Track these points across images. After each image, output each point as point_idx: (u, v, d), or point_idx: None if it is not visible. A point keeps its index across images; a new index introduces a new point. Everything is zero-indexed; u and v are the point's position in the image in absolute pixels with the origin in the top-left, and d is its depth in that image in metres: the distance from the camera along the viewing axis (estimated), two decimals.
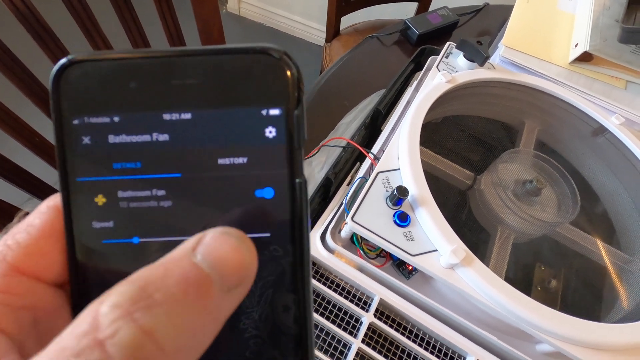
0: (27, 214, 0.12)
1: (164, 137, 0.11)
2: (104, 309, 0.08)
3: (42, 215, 0.11)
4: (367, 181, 0.32)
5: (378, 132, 0.43)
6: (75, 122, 0.11)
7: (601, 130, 0.44)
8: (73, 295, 0.11)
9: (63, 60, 0.11)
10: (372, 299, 0.32)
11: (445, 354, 0.31)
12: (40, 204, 0.12)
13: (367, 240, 0.33)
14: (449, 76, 0.40)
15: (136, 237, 0.11)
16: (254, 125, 0.11)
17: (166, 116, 0.11)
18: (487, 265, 0.29)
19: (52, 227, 0.11)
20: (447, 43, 0.46)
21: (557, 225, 0.38)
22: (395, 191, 0.30)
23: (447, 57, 0.44)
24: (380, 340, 0.31)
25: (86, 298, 0.11)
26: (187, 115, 0.11)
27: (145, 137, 0.11)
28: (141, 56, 0.11)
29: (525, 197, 0.37)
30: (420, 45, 0.52)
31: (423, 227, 0.30)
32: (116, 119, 0.11)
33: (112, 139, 0.11)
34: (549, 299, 0.36)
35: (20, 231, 0.11)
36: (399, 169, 0.33)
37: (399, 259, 0.33)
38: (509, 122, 0.47)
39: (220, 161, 0.11)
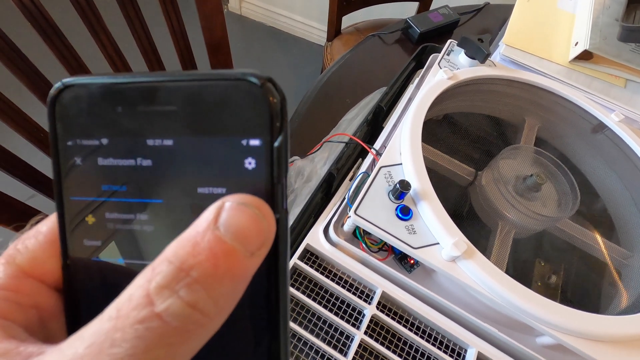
0: (38, 221, 0.13)
1: (147, 163, 0.11)
2: (154, 289, 0.09)
3: (49, 224, 0.12)
4: (369, 176, 0.33)
5: (380, 128, 0.43)
6: (69, 143, 0.12)
7: (601, 127, 0.44)
8: (65, 304, 0.12)
9: (58, 84, 0.12)
10: (375, 292, 0.32)
11: (447, 346, 0.31)
12: (52, 214, 0.12)
13: (369, 233, 0.33)
14: (450, 73, 0.40)
15: (121, 258, 0.12)
16: (234, 155, 0.11)
17: (149, 142, 0.11)
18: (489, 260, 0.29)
19: (56, 235, 0.12)
20: (449, 41, 0.46)
21: (557, 221, 0.38)
22: (397, 185, 0.31)
23: (448, 55, 0.45)
24: (383, 332, 0.31)
25: (77, 309, 0.12)
26: (169, 142, 0.11)
27: (130, 162, 0.11)
28: (127, 81, 0.11)
29: (526, 192, 0.37)
30: (421, 43, 0.52)
31: (425, 221, 0.31)
32: (104, 141, 0.12)
33: (100, 161, 0.12)
34: (549, 294, 0.36)
35: (30, 237, 0.12)
36: (401, 164, 0.34)
37: (401, 252, 0.34)
38: (510, 119, 0.48)
39: (200, 190, 0.11)
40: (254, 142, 0.11)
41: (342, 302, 0.32)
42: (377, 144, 0.39)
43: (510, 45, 0.55)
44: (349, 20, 1.06)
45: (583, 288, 0.38)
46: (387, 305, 0.32)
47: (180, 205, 0.11)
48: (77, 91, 0.12)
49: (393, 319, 0.31)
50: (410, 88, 0.46)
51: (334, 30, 1.02)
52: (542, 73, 0.53)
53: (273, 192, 0.11)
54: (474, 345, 0.30)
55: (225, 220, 0.10)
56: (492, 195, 0.37)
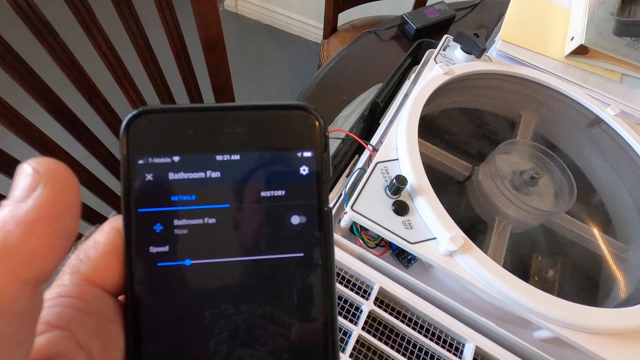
0: (92, 232, 0.13)
1: (216, 174, 0.13)
2: None
3: (105, 235, 0.13)
4: (366, 172, 0.33)
5: (376, 124, 0.43)
6: (141, 162, 0.13)
7: (597, 121, 0.44)
8: (126, 309, 0.13)
9: (134, 111, 0.13)
10: (372, 288, 0.32)
11: (445, 341, 0.31)
12: (103, 224, 0.13)
13: (366, 229, 0.33)
14: (446, 68, 0.40)
15: (188, 259, 0.13)
16: (291, 164, 0.14)
17: (219, 157, 0.13)
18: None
19: (114, 245, 0.13)
20: (445, 36, 0.46)
21: (553, 215, 0.38)
22: (394, 180, 0.31)
23: (444, 50, 0.45)
24: (380, 328, 0.31)
25: (138, 312, 0.13)
26: (236, 157, 0.14)
27: (200, 174, 0.13)
28: (199, 109, 0.14)
29: (523, 187, 0.37)
30: (417, 39, 0.52)
31: (422, 216, 0.31)
32: (176, 159, 0.13)
33: (171, 175, 0.13)
34: (546, 288, 0.37)
35: (90, 247, 0.13)
36: (397, 159, 0.34)
37: (398, 248, 0.34)
38: (507, 114, 0.48)
39: (263, 194, 0.14)
40: (307, 154, 0.14)
41: (340, 298, 0.32)
42: (374, 140, 0.39)
43: (507, 40, 0.55)
44: (345, 17, 1.05)
45: (580, 282, 0.38)
46: (384, 300, 0.32)
47: (246, 208, 0.13)
48: (152, 117, 0.13)
49: (391, 314, 0.31)
50: (407, 84, 0.46)
51: (331, 28, 1.02)
52: (539, 68, 0.53)
53: (322, 191, 0.14)
54: (471, 340, 0.30)
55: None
56: (488, 190, 0.37)
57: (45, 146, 0.50)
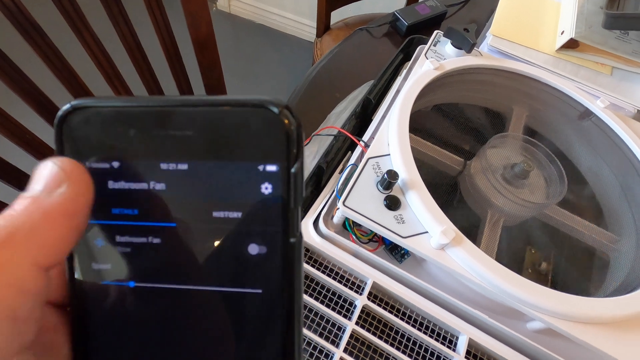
0: None
1: (160, 186, 0.11)
2: None
3: None
4: (358, 168, 0.33)
5: (369, 121, 0.43)
6: None
7: (587, 114, 0.44)
8: (73, 324, 0.12)
9: (66, 106, 0.12)
10: (366, 283, 0.32)
11: (438, 334, 0.31)
12: None
13: (359, 225, 0.33)
14: (437, 63, 0.41)
15: (132, 281, 0.12)
16: (250, 180, 0.11)
17: (163, 165, 0.11)
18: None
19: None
20: (435, 31, 0.46)
21: (545, 207, 0.38)
22: (385, 175, 0.31)
23: (435, 46, 0.45)
24: (374, 323, 0.31)
25: (84, 327, 0.12)
26: (183, 166, 0.11)
27: (143, 185, 0.11)
28: (141, 105, 0.11)
29: (514, 180, 0.38)
30: (409, 36, 0.52)
31: (413, 210, 0.31)
32: (115, 165, 0.11)
33: (111, 184, 0.12)
34: (540, 280, 0.37)
35: None
36: (389, 154, 0.34)
37: (391, 243, 0.34)
38: (498, 109, 0.48)
39: (215, 214, 0.11)
40: (271, 168, 0.11)
41: (333, 293, 0.32)
42: (366, 137, 0.39)
43: (498, 35, 0.55)
44: (338, 15, 1.05)
45: (573, 273, 0.38)
46: (378, 295, 0.32)
47: (194, 229, 0.11)
48: (87, 113, 0.12)
49: (384, 308, 0.31)
50: (399, 80, 0.46)
51: (323, 26, 1.02)
52: (530, 62, 0.53)
53: (289, 217, 0.11)
54: (465, 332, 0.30)
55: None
56: (480, 183, 0.37)
57: (37, 149, 0.50)
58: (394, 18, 0.66)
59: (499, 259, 0.34)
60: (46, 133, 0.53)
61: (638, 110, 0.50)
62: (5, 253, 0.10)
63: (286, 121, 0.11)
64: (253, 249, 0.11)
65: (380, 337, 0.30)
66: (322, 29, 1.02)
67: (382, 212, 0.30)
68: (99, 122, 0.11)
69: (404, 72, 0.45)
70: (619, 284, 0.34)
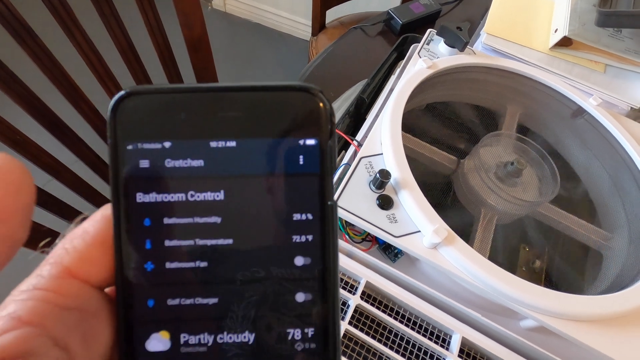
0: (83, 219, 0.13)
1: (209, 163, 0.12)
2: None
3: (95, 224, 0.12)
4: (350, 167, 0.33)
5: (362, 120, 0.43)
6: (129, 147, 0.12)
7: (580, 111, 0.44)
8: (119, 305, 0.12)
9: (122, 92, 0.12)
10: (359, 282, 0.32)
11: (432, 333, 0.31)
12: (95, 212, 0.13)
13: (352, 224, 0.33)
14: (430, 62, 0.41)
15: (182, 259, 0.12)
16: (292, 153, 0.12)
17: (213, 144, 0.12)
18: (472, 247, 0.29)
19: (104, 236, 0.12)
20: (428, 30, 0.46)
21: (538, 205, 0.38)
22: (378, 175, 0.31)
23: (428, 44, 0.45)
24: (368, 322, 0.31)
25: (129, 308, 0.12)
26: (232, 143, 0.12)
27: (193, 162, 0.12)
28: (191, 90, 0.13)
29: (507, 178, 0.38)
30: (403, 34, 0.52)
31: (406, 209, 0.31)
32: (167, 145, 0.12)
33: (160, 163, 0.12)
34: (534, 279, 0.37)
35: (77, 237, 0.12)
36: (381, 154, 0.34)
37: (384, 242, 0.34)
38: (491, 107, 0.48)
39: (261, 185, 0.13)
40: (310, 142, 0.12)
41: None
42: (359, 136, 0.39)
43: (492, 33, 0.55)
44: (333, 14, 1.05)
45: (566, 271, 0.39)
46: (371, 295, 0.32)
47: (243, 201, 0.13)
48: (141, 98, 0.12)
49: (378, 308, 0.31)
50: (392, 79, 0.46)
51: (319, 25, 1.02)
52: (523, 60, 0.54)
53: (326, 184, 0.13)
54: (458, 331, 0.30)
55: None
56: (473, 182, 0.37)
57: (29, 151, 0.49)
58: (388, 16, 0.66)
59: (492, 257, 0.34)
60: (39, 135, 0.53)
61: (631, 107, 0.50)
62: None
63: (322, 102, 0.13)
64: (297, 213, 0.13)
65: (373, 337, 0.30)
66: (317, 28, 1.02)
67: (374, 212, 0.30)
68: (152, 106, 0.12)
69: (398, 71, 0.45)
70: (612, 281, 0.34)
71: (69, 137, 0.54)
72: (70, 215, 0.57)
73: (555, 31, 0.55)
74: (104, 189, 0.59)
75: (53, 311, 0.11)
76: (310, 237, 0.13)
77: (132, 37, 0.55)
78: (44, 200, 0.53)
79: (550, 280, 0.37)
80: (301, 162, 0.12)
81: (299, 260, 0.13)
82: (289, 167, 0.12)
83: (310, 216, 0.13)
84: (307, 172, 0.13)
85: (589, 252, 0.39)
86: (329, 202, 0.13)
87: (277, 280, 0.13)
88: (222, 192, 0.12)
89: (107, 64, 0.55)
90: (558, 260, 0.39)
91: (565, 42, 0.53)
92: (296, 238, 0.13)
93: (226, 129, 0.12)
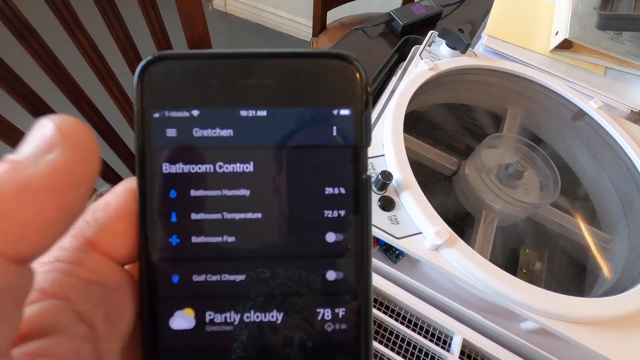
0: (99, 195, 0.12)
1: (239, 132, 0.12)
2: None
3: (118, 197, 0.12)
4: None
5: None
6: (156, 115, 0.12)
7: (580, 114, 0.45)
8: (142, 279, 0.12)
9: (149, 57, 0.12)
10: None
11: (433, 335, 0.31)
12: (118, 185, 0.12)
13: None
14: (431, 64, 0.41)
15: (210, 234, 0.12)
16: (325, 123, 0.12)
17: (243, 112, 0.12)
18: (473, 249, 0.29)
19: (127, 209, 0.12)
20: (430, 32, 0.46)
21: (539, 207, 0.38)
22: (379, 176, 0.31)
23: (429, 46, 0.45)
24: None
25: (153, 284, 0.12)
26: (262, 113, 0.12)
27: (222, 132, 0.12)
28: (223, 56, 0.12)
29: (508, 180, 0.38)
30: (404, 36, 0.52)
31: (407, 211, 0.31)
32: (195, 113, 0.12)
33: (188, 132, 0.12)
34: (534, 280, 0.37)
35: (99, 209, 0.11)
36: (383, 155, 0.34)
37: (385, 243, 0.34)
38: (493, 109, 0.48)
39: (293, 156, 0.12)
40: (345, 112, 0.12)
41: None
42: None
43: (493, 36, 0.55)
44: (334, 15, 1.05)
45: (567, 273, 0.39)
46: (372, 296, 0.32)
47: (274, 172, 0.12)
48: (169, 64, 0.12)
49: (379, 309, 0.31)
50: (394, 80, 0.46)
51: (320, 26, 1.02)
52: (524, 63, 0.54)
53: (361, 156, 0.12)
54: (459, 333, 0.30)
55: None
56: (475, 184, 0.38)
57: None
58: (389, 18, 0.66)
59: (493, 259, 0.35)
60: None
61: (631, 110, 0.50)
62: None
63: (358, 71, 0.12)
64: (330, 186, 0.12)
65: (374, 339, 0.30)
66: (318, 29, 1.02)
67: (376, 213, 0.30)
68: (181, 72, 0.12)
69: (399, 72, 0.45)
70: (612, 283, 0.34)
71: None
72: None
73: (556, 34, 0.55)
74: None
75: (77, 285, 0.10)
76: (343, 212, 0.12)
77: (134, 36, 0.55)
78: None
79: (550, 282, 0.37)
80: (335, 133, 0.12)
81: (331, 237, 0.12)
82: (321, 138, 0.12)
83: (343, 190, 0.12)
84: (340, 143, 0.12)
85: (589, 254, 0.39)
86: (364, 176, 0.12)
87: (307, 257, 0.12)
88: (251, 163, 0.12)
89: (108, 63, 0.55)
90: (558, 262, 0.39)
91: (565, 45, 0.54)
92: (328, 213, 0.12)
93: (257, 97, 0.12)
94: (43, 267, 0.10)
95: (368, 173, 0.12)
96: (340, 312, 0.12)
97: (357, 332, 0.12)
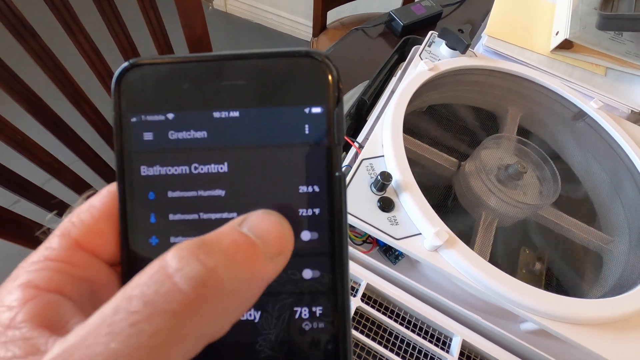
0: (89, 196, 0.13)
1: (213, 134, 0.12)
2: (170, 254, 0.09)
3: (102, 198, 0.12)
4: (351, 169, 0.33)
5: (363, 122, 0.43)
6: (133, 119, 0.12)
7: (581, 114, 0.44)
8: (124, 278, 0.12)
9: (125, 64, 0.12)
10: (360, 284, 0.32)
11: (432, 336, 0.31)
12: (103, 188, 0.13)
13: (352, 226, 0.33)
14: (431, 64, 0.41)
15: (186, 234, 0.12)
16: (297, 122, 0.12)
17: (216, 114, 0.12)
18: (473, 250, 0.29)
19: (110, 210, 0.12)
20: (430, 32, 0.46)
21: (539, 208, 0.38)
22: (379, 177, 0.31)
23: (429, 46, 0.45)
24: (368, 324, 0.31)
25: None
26: (235, 114, 0.12)
27: (196, 134, 0.12)
28: (195, 59, 0.12)
29: (508, 181, 0.38)
30: (404, 36, 0.52)
31: (407, 211, 0.31)
32: (170, 116, 0.12)
33: (164, 135, 0.12)
34: (534, 281, 0.37)
35: (84, 210, 0.12)
36: (382, 156, 0.34)
37: (385, 244, 0.34)
38: (492, 109, 0.48)
39: (266, 155, 0.12)
40: (316, 110, 0.12)
41: None
42: (360, 137, 0.39)
43: (493, 36, 0.55)
44: (334, 15, 1.05)
45: (567, 274, 0.39)
46: (372, 297, 0.32)
47: (247, 173, 0.12)
48: (144, 69, 0.12)
49: (378, 310, 0.31)
50: (393, 81, 0.46)
51: (320, 26, 1.02)
52: (524, 63, 0.54)
53: (334, 153, 0.12)
54: (458, 334, 0.30)
55: (249, 222, 0.10)
56: (474, 184, 0.37)
57: (30, 150, 0.49)
58: (389, 18, 0.66)
59: (493, 259, 0.34)
60: (39, 134, 0.53)
61: (632, 110, 0.50)
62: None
63: (328, 68, 0.12)
64: (304, 184, 0.12)
65: (373, 339, 0.30)
66: (318, 29, 1.02)
67: (375, 214, 0.30)
68: (155, 77, 0.12)
69: (399, 72, 0.45)
70: (612, 284, 0.34)
71: (70, 136, 0.54)
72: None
73: (557, 34, 0.55)
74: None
75: (69, 281, 0.11)
76: (317, 211, 0.12)
77: (133, 36, 0.55)
78: (43, 199, 0.53)
79: (550, 283, 0.37)
80: (307, 132, 0.12)
81: (306, 235, 0.12)
82: (294, 136, 0.12)
83: (317, 188, 0.12)
84: (313, 141, 0.12)
85: (590, 255, 0.39)
86: (337, 173, 0.12)
87: None
88: (225, 164, 0.12)
89: (108, 63, 0.55)
90: (558, 263, 0.39)
91: (566, 45, 0.53)
92: (302, 211, 0.12)
93: (229, 98, 0.12)
94: (33, 266, 0.11)
95: (343, 170, 0.12)
96: (318, 310, 0.12)
97: (335, 330, 0.12)
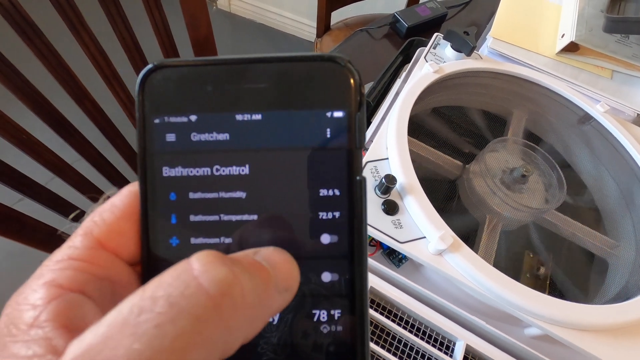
0: (107, 198, 0.13)
1: (235, 136, 0.12)
2: (195, 257, 0.09)
3: (123, 198, 0.12)
4: None
5: (367, 124, 0.43)
6: (156, 120, 0.12)
7: (587, 118, 0.44)
8: (144, 278, 0.12)
9: (149, 66, 0.12)
10: None
11: (436, 340, 0.31)
12: (124, 187, 0.13)
13: None
14: (436, 66, 0.40)
15: (208, 236, 0.12)
16: (319, 126, 0.12)
17: (238, 117, 0.12)
18: (477, 254, 0.29)
19: (132, 210, 0.12)
20: (435, 34, 0.46)
21: (544, 212, 0.38)
22: (383, 180, 0.30)
23: (434, 48, 0.45)
24: (371, 328, 0.31)
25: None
26: (257, 116, 0.12)
27: (219, 136, 0.12)
28: (218, 62, 0.12)
29: (513, 184, 0.38)
30: (409, 38, 0.52)
31: (411, 215, 0.30)
32: (193, 118, 0.12)
33: (187, 137, 0.12)
34: (538, 286, 0.37)
35: (106, 210, 0.12)
36: (387, 159, 0.34)
37: (389, 247, 0.34)
38: (498, 112, 0.48)
39: (287, 158, 0.12)
40: (338, 114, 0.12)
41: None
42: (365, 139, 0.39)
43: (498, 38, 0.55)
44: (338, 15, 1.05)
45: (571, 279, 0.38)
46: (375, 300, 0.32)
47: (268, 176, 0.12)
48: (169, 71, 0.12)
49: (381, 314, 0.31)
50: (398, 82, 0.46)
51: (324, 27, 1.02)
52: (530, 65, 0.53)
53: (354, 158, 0.12)
54: (462, 338, 0.30)
55: (262, 253, 0.11)
56: (479, 188, 0.37)
57: (33, 149, 0.49)
58: (394, 19, 0.66)
59: (497, 263, 0.34)
60: (43, 133, 0.53)
61: (638, 114, 0.50)
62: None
63: (350, 72, 0.12)
64: (324, 188, 0.12)
65: (377, 343, 0.30)
66: (322, 29, 1.02)
67: (379, 217, 0.30)
68: (179, 79, 0.12)
69: (404, 74, 0.45)
70: (618, 290, 0.34)
71: (73, 135, 0.54)
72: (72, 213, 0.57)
73: (562, 36, 0.54)
74: (107, 187, 0.59)
75: (91, 280, 0.11)
76: (337, 214, 0.12)
77: (138, 36, 0.55)
78: (47, 197, 0.53)
79: (554, 287, 0.37)
80: (328, 135, 0.12)
81: (326, 238, 0.12)
82: (315, 140, 0.12)
83: (337, 192, 0.12)
84: (334, 145, 0.12)
85: (595, 260, 0.39)
86: (358, 177, 0.12)
87: (302, 259, 0.12)
88: (247, 166, 0.12)
89: (112, 63, 0.55)
90: (563, 268, 0.38)
91: (572, 48, 0.53)
92: (323, 215, 0.12)
93: (252, 101, 0.12)
94: (57, 265, 0.11)
95: (363, 174, 0.12)
96: (336, 313, 0.12)
97: (353, 334, 0.12)
